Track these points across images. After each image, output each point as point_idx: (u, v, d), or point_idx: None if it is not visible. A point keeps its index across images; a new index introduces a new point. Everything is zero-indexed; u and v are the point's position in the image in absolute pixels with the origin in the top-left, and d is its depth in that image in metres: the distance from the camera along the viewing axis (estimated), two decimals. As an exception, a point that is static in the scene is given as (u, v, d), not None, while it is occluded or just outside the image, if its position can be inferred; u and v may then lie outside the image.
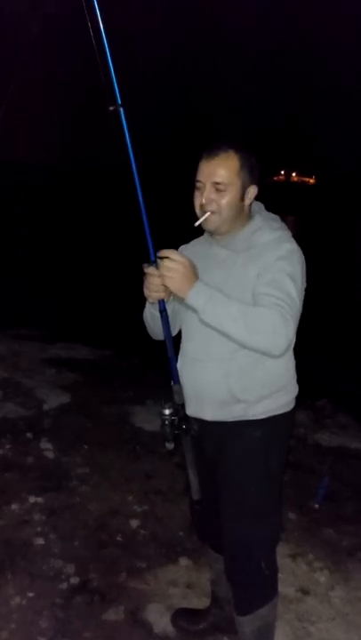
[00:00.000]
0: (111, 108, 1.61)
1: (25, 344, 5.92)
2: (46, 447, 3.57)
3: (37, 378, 4.85)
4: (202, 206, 1.70)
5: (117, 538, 2.74)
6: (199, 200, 1.71)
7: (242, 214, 1.74)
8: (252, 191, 1.73)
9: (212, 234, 1.79)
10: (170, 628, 2.20)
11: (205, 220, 1.70)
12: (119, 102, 1.61)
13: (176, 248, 1.85)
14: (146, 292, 1.69)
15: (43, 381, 4.77)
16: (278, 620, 2.05)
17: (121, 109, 1.61)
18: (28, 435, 3.71)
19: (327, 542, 2.84)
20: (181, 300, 1.64)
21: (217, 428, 1.79)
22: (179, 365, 1.81)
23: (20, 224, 19.22)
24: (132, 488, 3.18)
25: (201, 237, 1.91)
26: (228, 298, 1.57)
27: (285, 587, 2.43)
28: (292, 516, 3.03)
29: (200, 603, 2.32)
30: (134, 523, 2.86)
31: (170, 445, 1.79)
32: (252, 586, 1.83)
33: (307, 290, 1.74)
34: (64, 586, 2.39)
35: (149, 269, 1.62)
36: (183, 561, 2.60)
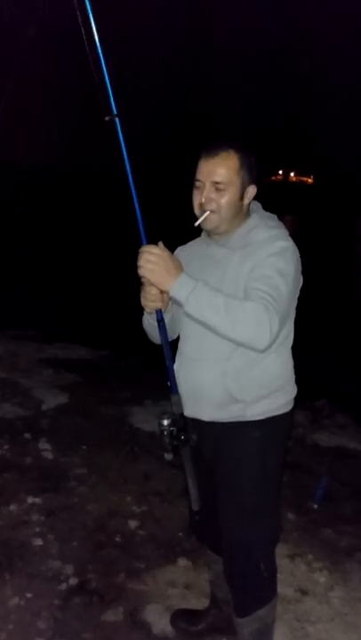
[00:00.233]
0: (107, 119, 1.61)
1: (23, 344, 5.91)
2: (44, 447, 3.57)
3: (35, 378, 4.85)
4: (201, 205, 1.70)
5: (116, 538, 2.73)
6: (198, 199, 1.70)
7: (240, 213, 1.74)
8: (252, 191, 1.73)
9: (210, 233, 1.79)
10: (169, 629, 2.19)
11: (205, 219, 1.70)
12: (115, 113, 1.61)
13: (175, 249, 1.85)
14: (143, 302, 1.69)
15: (40, 382, 4.77)
16: (277, 620, 2.05)
17: (117, 119, 1.61)
18: (26, 435, 3.71)
19: (326, 542, 2.84)
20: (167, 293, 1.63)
21: (215, 429, 1.78)
22: (176, 366, 1.80)
23: (19, 224, 19.18)
24: (130, 489, 3.18)
25: (198, 238, 1.91)
26: (214, 290, 1.56)
27: (284, 587, 2.42)
28: (290, 516, 3.03)
29: (199, 603, 2.32)
30: (133, 523, 2.86)
31: (169, 456, 1.77)
32: (251, 588, 1.83)
33: (305, 290, 1.74)
34: (62, 587, 2.38)
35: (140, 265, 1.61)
36: (182, 562, 2.59)
